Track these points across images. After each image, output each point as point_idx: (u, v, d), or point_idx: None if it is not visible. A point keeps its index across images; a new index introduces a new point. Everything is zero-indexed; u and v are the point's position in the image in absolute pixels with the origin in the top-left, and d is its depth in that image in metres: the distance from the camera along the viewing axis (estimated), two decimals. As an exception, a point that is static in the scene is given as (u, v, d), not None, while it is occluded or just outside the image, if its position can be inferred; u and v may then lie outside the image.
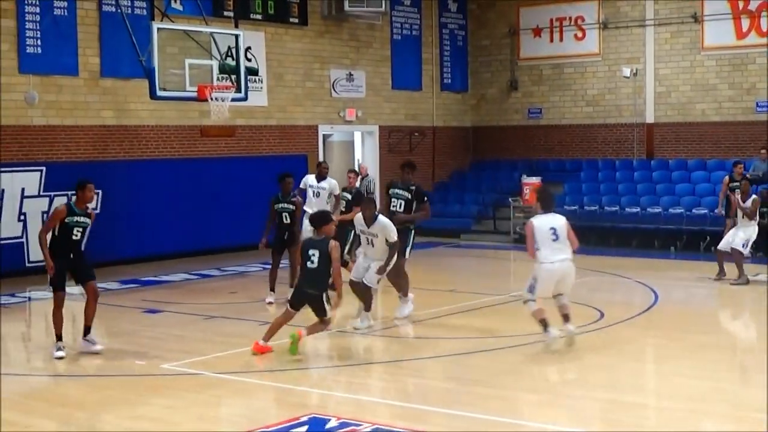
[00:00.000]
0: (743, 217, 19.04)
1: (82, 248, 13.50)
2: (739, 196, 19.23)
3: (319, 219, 13.15)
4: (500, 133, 31.21)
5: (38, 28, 20.72)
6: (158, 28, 18.34)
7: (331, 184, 18.91)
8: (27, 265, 20.39)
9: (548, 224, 13.12)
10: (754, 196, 19.32)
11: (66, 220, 13.21)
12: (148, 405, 10.89)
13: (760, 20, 26.68)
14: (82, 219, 13.32)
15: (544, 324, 13.06)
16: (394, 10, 28.88)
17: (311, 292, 12.85)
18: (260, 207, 23.31)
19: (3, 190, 20.40)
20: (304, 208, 18.01)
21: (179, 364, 12.64)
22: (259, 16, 25.02)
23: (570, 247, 13.30)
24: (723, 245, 19.30)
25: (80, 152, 21.73)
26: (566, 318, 13.34)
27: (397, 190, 15.80)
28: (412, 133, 29.65)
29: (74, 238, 13.24)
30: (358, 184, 22.11)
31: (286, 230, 17.22)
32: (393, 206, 15.59)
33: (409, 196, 15.64)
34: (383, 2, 27.20)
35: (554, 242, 13.08)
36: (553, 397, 11.07)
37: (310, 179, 19.03)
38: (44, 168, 20.84)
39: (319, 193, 18.77)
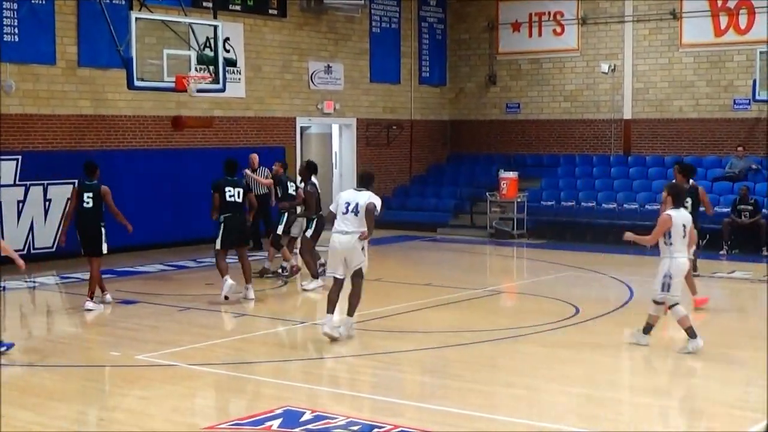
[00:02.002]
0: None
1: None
2: None
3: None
4: (478, 128, 31.23)
5: (15, 16, 20.59)
6: (136, 18, 18.28)
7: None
8: (2, 254, 20.22)
9: (682, 220, 12.99)
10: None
11: None
12: (123, 396, 10.86)
13: (738, 18, 26.78)
14: None
15: (691, 332, 12.83)
16: (373, 3, 28.85)
17: None
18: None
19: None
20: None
21: (154, 355, 12.61)
22: (237, 7, 24.95)
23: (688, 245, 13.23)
24: None
25: (57, 141, 21.62)
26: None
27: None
28: (390, 126, 29.64)
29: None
30: (252, 174, 22.65)
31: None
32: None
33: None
34: (362, -5, 27.28)
35: (683, 238, 12.98)
36: (529, 391, 11.08)
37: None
38: (20, 157, 20.72)
39: None
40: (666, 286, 12.92)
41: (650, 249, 13.60)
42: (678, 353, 12.79)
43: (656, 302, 13.11)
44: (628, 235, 13.43)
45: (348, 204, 13.41)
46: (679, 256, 12.91)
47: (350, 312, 13.63)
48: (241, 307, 16.06)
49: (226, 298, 16.25)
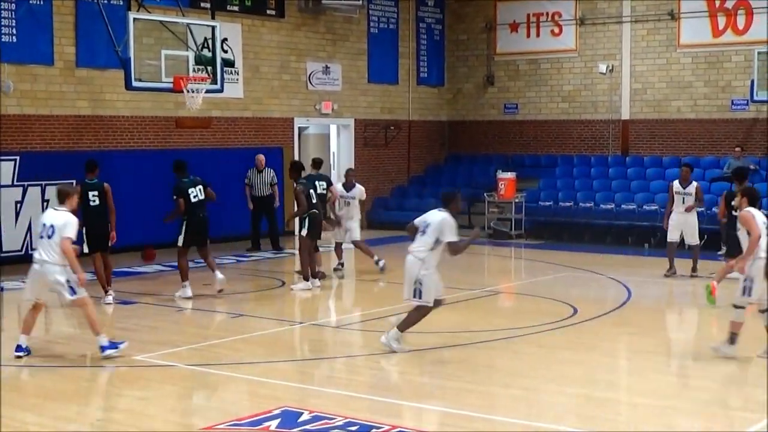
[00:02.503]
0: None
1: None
2: None
3: None
4: (476, 128, 31.22)
5: (14, 16, 20.58)
6: (134, 18, 18.26)
7: (359, 191, 19.79)
8: (0, 254, 20.26)
9: (761, 218, 12.42)
10: (695, 183, 19.64)
11: None
12: (122, 396, 10.87)
13: (736, 18, 26.78)
14: None
15: (734, 339, 12.39)
16: (371, 4, 28.83)
17: None
18: (234, 199, 23.30)
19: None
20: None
21: (153, 355, 12.60)
22: (235, 8, 24.92)
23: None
24: (676, 238, 19.50)
25: (55, 142, 21.61)
26: None
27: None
28: (388, 126, 29.63)
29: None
30: (257, 177, 23.33)
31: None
32: None
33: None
34: (360, -5, 27.31)
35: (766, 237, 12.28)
36: (527, 392, 11.08)
37: (339, 189, 19.69)
38: (18, 157, 20.70)
39: (349, 202, 19.66)
40: (747, 290, 12.25)
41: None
42: (711, 350, 12.59)
43: (736, 306, 12.47)
44: (740, 266, 12.33)
45: (422, 222, 13.13)
46: (763, 257, 12.15)
47: (400, 325, 12.96)
48: (240, 308, 16.07)
49: (177, 298, 16.85)
